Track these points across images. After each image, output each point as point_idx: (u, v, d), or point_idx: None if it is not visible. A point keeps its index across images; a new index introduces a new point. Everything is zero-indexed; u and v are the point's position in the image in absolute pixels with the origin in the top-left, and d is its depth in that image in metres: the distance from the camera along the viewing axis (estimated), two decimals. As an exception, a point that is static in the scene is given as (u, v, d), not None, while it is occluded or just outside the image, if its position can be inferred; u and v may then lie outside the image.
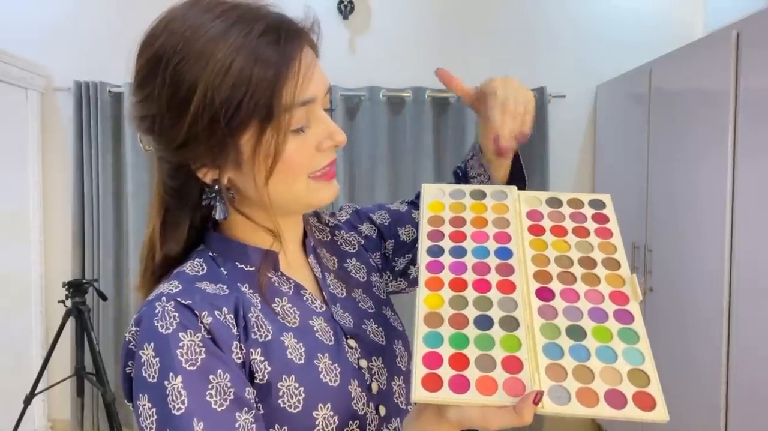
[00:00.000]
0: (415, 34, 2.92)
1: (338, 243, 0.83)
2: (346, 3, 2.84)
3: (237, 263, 0.68)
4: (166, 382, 0.56)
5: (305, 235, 0.77)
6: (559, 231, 0.74)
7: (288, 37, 0.60)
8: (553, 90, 2.85)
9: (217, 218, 0.65)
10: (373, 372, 0.71)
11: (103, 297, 2.49)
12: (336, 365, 0.67)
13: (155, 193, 0.67)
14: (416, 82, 2.84)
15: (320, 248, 0.79)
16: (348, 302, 0.76)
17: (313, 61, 0.63)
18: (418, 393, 0.57)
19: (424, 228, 0.74)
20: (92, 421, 2.82)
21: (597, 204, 0.77)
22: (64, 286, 2.38)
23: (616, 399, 0.57)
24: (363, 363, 0.71)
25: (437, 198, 0.78)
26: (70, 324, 2.41)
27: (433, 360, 0.60)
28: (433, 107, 2.84)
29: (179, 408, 0.55)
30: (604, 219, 0.75)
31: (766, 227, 1.68)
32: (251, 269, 0.68)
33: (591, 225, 0.74)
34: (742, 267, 1.78)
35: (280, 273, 0.71)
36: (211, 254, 0.68)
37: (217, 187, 0.64)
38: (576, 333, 0.63)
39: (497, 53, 2.93)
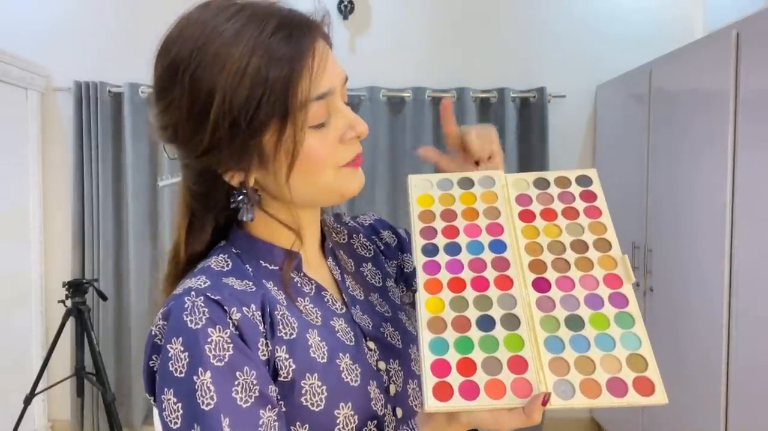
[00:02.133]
0: (415, 34, 2.92)
1: (354, 247, 0.84)
2: (346, 3, 2.84)
3: (261, 262, 0.68)
4: (195, 377, 0.56)
5: (323, 238, 0.78)
6: (549, 215, 0.74)
7: (300, 33, 0.60)
8: (553, 90, 2.85)
9: (244, 219, 0.65)
10: (390, 374, 0.72)
11: (103, 297, 2.49)
12: (356, 365, 0.67)
13: (181, 198, 0.68)
14: (416, 82, 2.84)
15: (338, 250, 0.79)
16: (366, 304, 0.76)
17: (327, 53, 0.63)
18: (431, 403, 0.58)
19: (416, 225, 0.74)
20: (92, 421, 2.82)
21: (584, 181, 0.77)
22: (64, 286, 2.38)
23: (617, 387, 0.59)
24: (381, 365, 0.71)
25: (425, 191, 0.77)
26: (70, 323, 2.41)
27: (441, 368, 0.61)
28: (433, 107, 2.84)
29: (208, 404, 0.55)
30: (591, 197, 0.75)
31: (766, 227, 1.68)
32: (275, 268, 0.69)
33: (580, 205, 0.74)
34: (742, 267, 1.78)
35: (302, 274, 0.71)
36: (234, 250, 0.68)
37: (244, 190, 0.64)
38: (574, 323, 0.64)
39: (497, 53, 2.93)
